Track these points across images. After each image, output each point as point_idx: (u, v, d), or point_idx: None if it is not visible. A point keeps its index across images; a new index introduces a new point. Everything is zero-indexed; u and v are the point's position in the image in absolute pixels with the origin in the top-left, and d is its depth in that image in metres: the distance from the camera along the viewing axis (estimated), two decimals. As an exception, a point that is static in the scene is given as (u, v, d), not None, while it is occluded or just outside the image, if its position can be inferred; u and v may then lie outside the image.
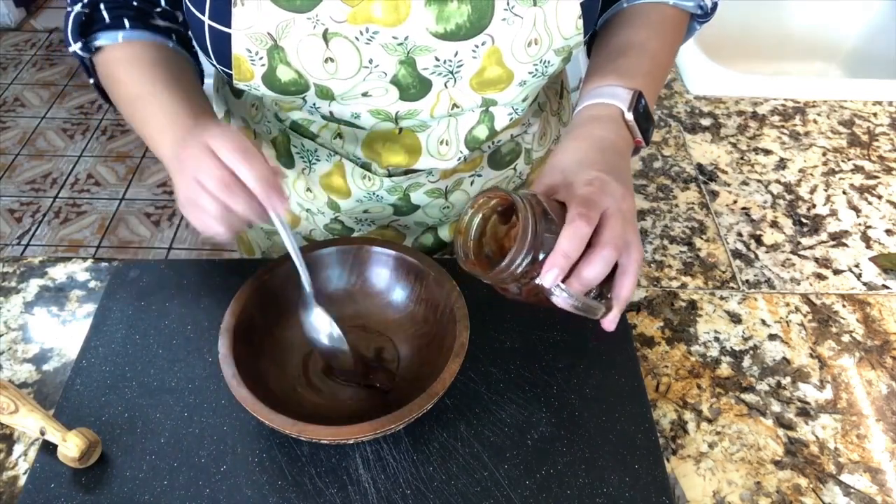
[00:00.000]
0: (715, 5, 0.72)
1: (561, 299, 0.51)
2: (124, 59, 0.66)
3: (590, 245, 0.50)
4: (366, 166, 0.72)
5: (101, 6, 0.64)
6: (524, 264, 0.50)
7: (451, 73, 0.60)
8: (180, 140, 0.58)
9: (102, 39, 0.65)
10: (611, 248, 0.51)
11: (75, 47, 0.65)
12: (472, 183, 0.76)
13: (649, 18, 0.68)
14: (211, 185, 0.53)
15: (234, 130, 0.55)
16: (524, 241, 0.49)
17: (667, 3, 0.69)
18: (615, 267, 0.53)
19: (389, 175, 0.72)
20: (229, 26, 0.56)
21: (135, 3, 0.65)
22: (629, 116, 0.60)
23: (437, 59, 0.59)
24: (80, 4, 0.65)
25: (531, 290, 0.52)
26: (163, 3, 0.66)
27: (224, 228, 0.55)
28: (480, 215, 0.54)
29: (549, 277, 0.49)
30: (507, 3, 0.57)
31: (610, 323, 0.55)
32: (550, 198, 0.53)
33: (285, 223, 0.57)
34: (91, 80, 0.70)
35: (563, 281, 0.50)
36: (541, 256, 0.50)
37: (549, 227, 0.50)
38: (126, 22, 0.65)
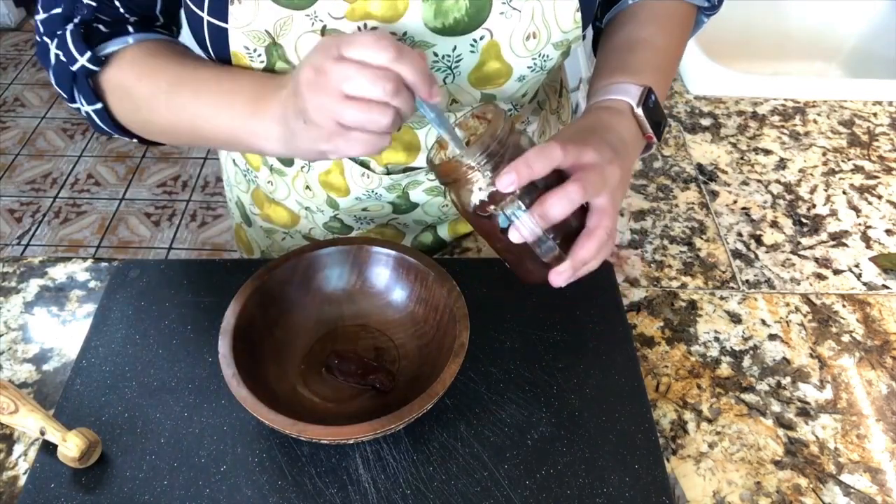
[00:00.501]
0: None
1: (518, 223, 0.50)
2: (144, 56, 0.60)
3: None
4: (364, 164, 0.72)
5: (96, 24, 0.60)
6: (483, 160, 0.49)
7: (450, 68, 0.60)
8: (286, 83, 0.52)
9: (112, 46, 0.60)
10: (578, 186, 0.50)
11: (83, 60, 0.58)
12: None
13: (656, 13, 0.68)
14: (372, 93, 0.46)
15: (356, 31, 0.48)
16: (490, 137, 0.49)
17: None
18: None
19: (388, 173, 0.72)
20: (227, 22, 0.56)
21: (133, 20, 0.61)
22: (639, 111, 0.60)
23: (436, 55, 0.59)
24: (70, 24, 0.58)
25: (488, 203, 0.51)
26: (161, 18, 0.62)
27: (388, 139, 0.50)
28: (467, 138, 0.54)
29: (505, 179, 0.48)
30: None
31: (558, 276, 0.54)
32: None
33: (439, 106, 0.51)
34: (91, 106, 0.61)
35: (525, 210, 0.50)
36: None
37: (521, 152, 0.50)
38: (129, 28, 0.61)
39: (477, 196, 0.52)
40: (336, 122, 0.48)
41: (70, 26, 0.58)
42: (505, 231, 0.52)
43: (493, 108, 0.53)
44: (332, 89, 0.47)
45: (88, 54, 0.58)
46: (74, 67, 0.59)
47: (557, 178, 0.52)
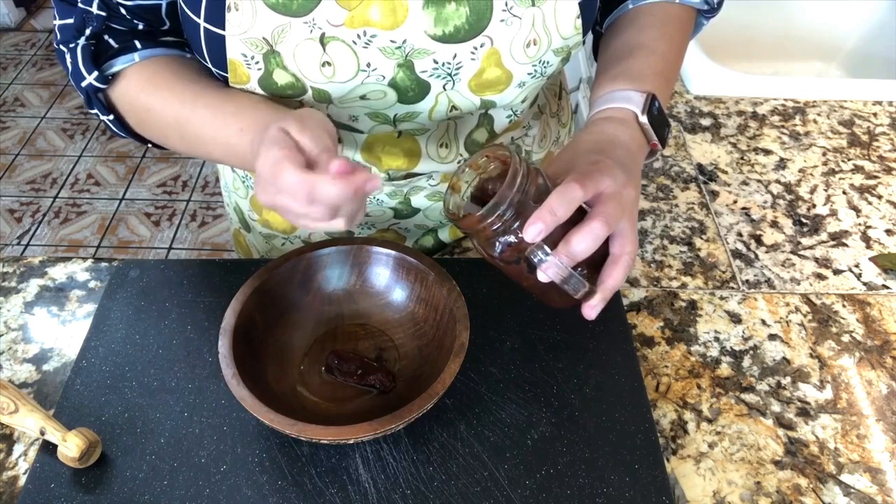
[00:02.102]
0: (721, 0, 0.71)
1: (545, 265, 0.50)
2: (149, 82, 0.62)
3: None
4: None
5: (106, 36, 0.61)
6: (507, 214, 0.49)
7: (450, 75, 0.60)
8: (255, 149, 0.53)
9: (118, 64, 0.62)
10: (601, 222, 0.50)
11: (90, 78, 0.61)
12: None
13: (655, 18, 0.68)
14: (294, 208, 0.50)
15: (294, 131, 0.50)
16: (510, 188, 0.49)
17: (672, 0, 0.68)
18: (607, 256, 0.53)
19: (390, 179, 0.72)
20: (224, 29, 0.56)
21: (140, 28, 0.62)
22: (643, 119, 0.59)
23: (436, 62, 0.58)
24: (82, 39, 0.61)
25: (512, 250, 0.51)
26: (167, 22, 0.62)
27: (340, 224, 0.51)
28: (476, 178, 0.54)
29: (531, 231, 0.48)
30: (506, 4, 0.56)
31: (591, 309, 0.54)
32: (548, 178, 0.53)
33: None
34: (106, 117, 0.65)
35: (551, 251, 0.50)
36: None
37: (538, 194, 0.50)
38: (137, 43, 0.62)
39: (501, 245, 0.52)
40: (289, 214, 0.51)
41: (81, 41, 0.60)
42: (532, 271, 0.52)
43: (505, 150, 0.53)
44: (280, 210, 0.51)
45: (95, 73, 0.61)
46: (83, 84, 0.62)
47: (578, 210, 0.52)
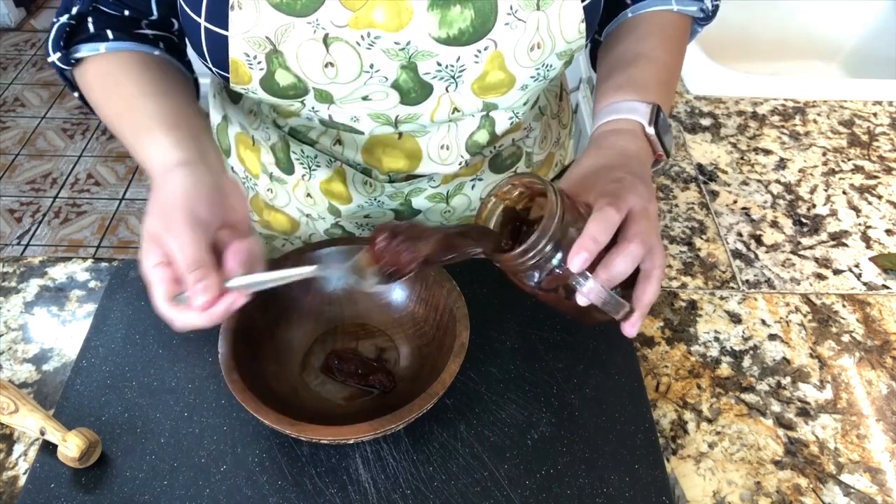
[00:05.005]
0: (716, 7, 0.71)
1: (587, 290, 0.50)
2: (102, 76, 0.63)
3: (615, 242, 0.50)
4: (366, 172, 0.71)
5: (90, 19, 0.62)
6: (548, 247, 0.49)
7: (453, 77, 0.60)
8: (156, 181, 0.55)
9: (84, 51, 0.63)
10: (637, 242, 0.51)
11: (54, 58, 0.63)
12: (472, 187, 0.76)
13: (655, 26, 0.68)
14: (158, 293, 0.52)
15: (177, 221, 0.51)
16: (551, 221, 0.48)
17: (671, 9, 0.68)
18: (637, 272, 0.53)
19: (390, 181, 0.72)
20: (226, 28, 0.56)
21: (126, 13, 0.62)
22: (650, 130, 0.59)
23: (439, 64, 0.58)
24: (66, 16, 0.62)
25: (552, 279, 0.51)
26: (155, 12, 0.63)
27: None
28: (502, 206, 0.54)
29: (577, 261, 0.48)
30: (510, 8, 0.56)
31: (631, 327, 0.54)
32: (575, 200, 0.53)
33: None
34: (75, 94, 0.68)
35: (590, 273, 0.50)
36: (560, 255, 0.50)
37: (574, 221, 0.50)
38: (109, 33, 0.63)
39: (542, 276, 0.51)
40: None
41: (64, 17, 0.62)
42: (570, 296, 0.52)
43: (534, 178, 0.52)
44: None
45: (59, 55, 0.62)
46: (49, 60, 0.63)
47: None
